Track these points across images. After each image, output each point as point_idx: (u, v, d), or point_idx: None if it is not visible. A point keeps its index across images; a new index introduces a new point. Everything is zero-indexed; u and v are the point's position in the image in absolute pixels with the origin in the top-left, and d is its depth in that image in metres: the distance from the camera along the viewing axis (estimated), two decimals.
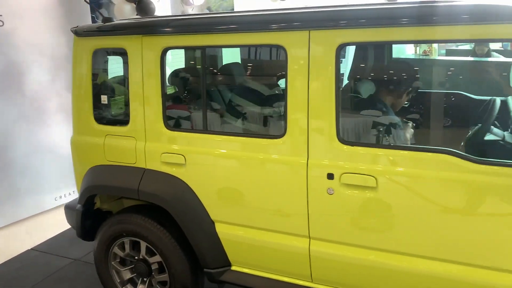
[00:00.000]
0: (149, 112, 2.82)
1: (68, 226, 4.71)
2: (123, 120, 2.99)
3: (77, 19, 5.12)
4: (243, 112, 2.96)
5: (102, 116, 3.09)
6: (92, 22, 5.36)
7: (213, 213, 2.74)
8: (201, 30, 2.58)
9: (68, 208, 3.36)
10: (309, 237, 2.49)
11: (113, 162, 3.00)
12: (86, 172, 3.13)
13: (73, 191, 5.38)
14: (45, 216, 5.03)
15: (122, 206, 3.36)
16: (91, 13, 5.31)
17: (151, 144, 2.85)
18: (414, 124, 2.89)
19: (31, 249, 4.38)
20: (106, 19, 2.98)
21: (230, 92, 3.03)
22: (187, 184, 2.76)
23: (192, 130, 2.83)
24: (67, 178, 5.28)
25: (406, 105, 2.94)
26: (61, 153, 5.18)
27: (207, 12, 6.66)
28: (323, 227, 2.45)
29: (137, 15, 5.01)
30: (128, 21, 2.95)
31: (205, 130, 2.75)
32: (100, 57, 3.02)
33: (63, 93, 5.16)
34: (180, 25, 2.67)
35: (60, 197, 5.28)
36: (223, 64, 3.42)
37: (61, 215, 5.07)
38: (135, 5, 4.99)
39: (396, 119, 2.59)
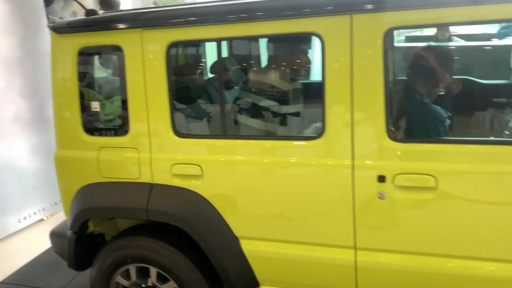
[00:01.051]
0: (154, 118, 2.42)
1: (40, 251, 4.21)
2: (120, 129, 2.57)
3: (30, 15, 4.54)
4: (269, 111, 2.61)
5: (94, 126, 2.65)
6: (47, 18, 4.79)
7: (237, 228, 2.40)
8: (218, 20, 2.21)
9: (55, 235, 2.89)
10: (355, 248, 2.23)
11: (111, 178, 2.58)
12: (76, 192, 2.68)
13: (38, 210, 4.81)
14: (10, 241, 4.45)
15: (116, 227, 2.93)
16: (46, 7, 4.74)
17: (158, 155, 2.46)
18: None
19: (0, 282, 3.81)
20: (90, 12, 2.54)
21: (251, 90, 2.67)
22: (205, 198, 2.40)
23: (209, 135, 2.46)
24: (30, 195, 4.72)
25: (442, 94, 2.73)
26: (21, 167, 4.60)
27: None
28: (373, 236, 2.19)
29: (100, 9, 4.50)
30: (121, 13, 2.52)
31: (225, 134, 2.40)
32: (87, 56, 2.58)
33: (19, 102, 4.57)
34: (193, 15, 2.28)
35: (25, 218, 4.71)
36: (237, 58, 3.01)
37: (28, 238, 4.52)
38: None
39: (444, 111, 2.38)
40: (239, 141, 2.35)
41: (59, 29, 2.51)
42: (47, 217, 4.92)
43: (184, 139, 2.41)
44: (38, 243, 4.27)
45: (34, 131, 4.71)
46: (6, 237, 4.44)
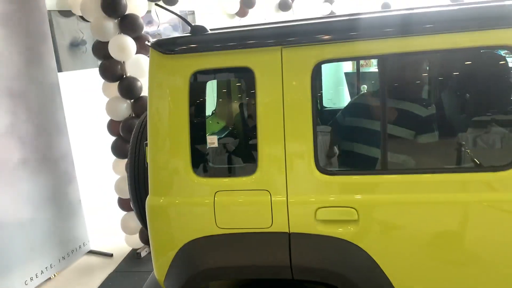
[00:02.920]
0: (293, 151, 2.00)
1: None
2: (244, 167, 2.11)
3: (32, 38, 3.93)
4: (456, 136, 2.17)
5: (207, 165, 2.17)
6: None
7: (401, 284, 2.01)
8: (387, 33, 1.87)
9: None
10: None
11: (230, 229, 2.10)
12: (180, 249, 2.15)
13: (46, 268, 4.07)
14: None
15: None
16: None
17: (297, 197, 2.03)
18: None
19: None
20: (197, 29, 2.10)
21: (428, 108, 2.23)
22: (362, 249, 1.99)
23: (367, 171, 2.06)
24: (36, 250, 3.99)
25: None
26: (26, 218, 3.88)
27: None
28: None
29: (119, 33, 3.98)
30: (249, 29, 2.10)
31: (390, 169, 2.00)
32: (200, 81, 2.11)
33: (25, 141, 3.88)
34: (351, 29, 1.90)
35: (31, 279, 3.96)
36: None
37: None
38: (117, 21, 3.96)
39: None
40: (413, 177, 1.96)
41: (167, 49, 2.04)
42: (54, 275, 4.17)
43: (331, 177, 2.00)
44: None
45: (41, 174, 4.01)
46: None
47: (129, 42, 3.92)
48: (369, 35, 1.88)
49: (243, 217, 2.09)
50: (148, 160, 2.18)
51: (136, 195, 2.58)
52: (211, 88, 2.14)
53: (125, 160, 4.22)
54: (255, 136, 2.04)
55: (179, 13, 2.27)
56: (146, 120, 2.66)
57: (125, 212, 4.44)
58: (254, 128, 2.03)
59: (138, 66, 4.07)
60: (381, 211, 1.97)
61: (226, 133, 2.18)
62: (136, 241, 4.44)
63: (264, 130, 2.02)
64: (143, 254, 4.36)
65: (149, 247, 4.42)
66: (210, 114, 2.22)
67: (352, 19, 2.00)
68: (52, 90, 4.13)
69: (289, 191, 2.04)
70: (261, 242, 2.07)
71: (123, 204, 4.41)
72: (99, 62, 4.12)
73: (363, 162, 2.12)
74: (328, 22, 2.02)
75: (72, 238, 4.40)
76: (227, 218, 2.10)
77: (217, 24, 6.41)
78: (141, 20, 4.05)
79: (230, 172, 2.13)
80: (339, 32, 1.92)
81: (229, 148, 2.12)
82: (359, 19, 1.94)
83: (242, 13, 6.49)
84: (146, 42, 2.10)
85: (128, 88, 4.03)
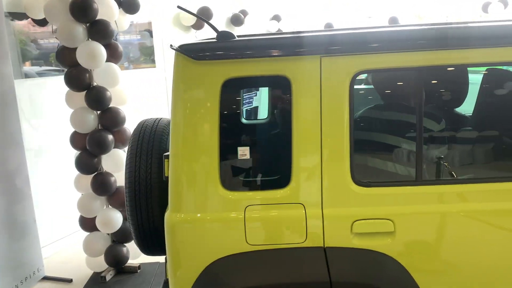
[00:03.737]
0: (329, 163, 1.95)
1: None
2: (277, 180, 2.02)
3: None
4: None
5: (237, 178, 2.04)
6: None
7: None
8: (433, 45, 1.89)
9: None
10: None
11: (261, 246, 1.98)
12: (206, 269, 2.00)
13: None
14: None
15: None
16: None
17: (332, 209, 1.98)
18: None
19: None
20: (223, 35, 2.00)
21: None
22: (394, 260, 1.98)
23: (405, 181, 2.05)
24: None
25: None
26: None
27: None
28: None
29: (88, 39, 3.71)
30: (284, 36, 2.03)
31: (428, 180, 2.01)
32: (234, 89, 2.00)
33: None
34: (395, 40, 1.90)
35: None
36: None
37: None
38: (86, 26, 3.70)
39: None
40: (453, 187, 1.98)
41: (197, 54, 1.91)
42: None
43: (368, 189, 1.97)
44: None
45: None
46: None
47: (100, 49, 3.66)
48: (410, 47, 1.90)
49: (275, 233, 1.99)
50: (169, 173, 2.01)
51: (137, 215, 2.38)
52: (243, 97, 2.03)
53: (90, 177, 3.91)
54: (289, 147, 1.96)
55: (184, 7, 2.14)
56: (145, 131, 2.48)
57: (87, 233, 4.09)
58: (288, 138, 1.96)
59: (108, 74, 3.81)
60: (418, 222, 1.97)
61: (257, 144, 2.07)
62: (99, 263, 4.10)
63: (299, 140, 1.94)
64: (108, 277, 4.03)
65: (115, 269, 4.11)
66: (242, 124, 2.10)
67: (393, 31, 2.01)
68: (5, 98, 3.74)
69: (325, 204, 1.98)
70: (296, 259, 1.98)
71: (85, 224, 4.07)
72: (61, 69, 3.80)
73: (399, 173, 2.11)
74: (369, 33, 2.01)
75: (26, 263, 3.96)
76: (258, 234, 1.99)
77: (175, 36, 6.32)
78: (112, 26, 3.81)
79: (262, 185, 2.03)
80: (380, 42, 1.92)
81: (261, 159, 2.02)
82: (400, 31, 1.95)
83: (198, 25, 6.38)
84: (171, 46, 1.94)
85: (96, 98, 3.75)
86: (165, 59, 6.07)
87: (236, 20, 7.28)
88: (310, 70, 1.91)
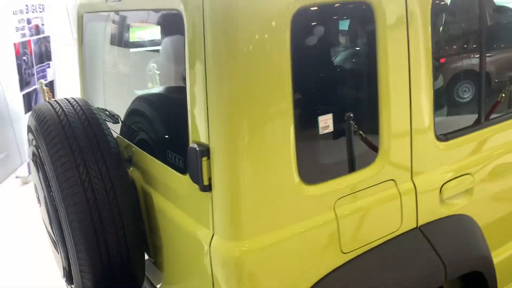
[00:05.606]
0: (416, 118, 1.47)
1: None
2: (362, 155, 1.41)
3: None
4: None
5: (317, 163, 1.33)
6: None
7: None
8: None
9: None
10: None
11: (357, 250, 1.39)
12: None
13: None
14: None
15: None
16: None
17: (421, 177, 1.52)
18: None
19: None
20: None
21: None
22: (476, 222, 1.68)
23: (476, 127, 1.68)
24: None
25: None
26: None
27: None
28: None
29: None
30: None
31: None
32: (304, 25, 1.24)
33: None
34: None
35: None
36: None
37: None
38: None
39: None
40: None
41: None
42: None
43: (448, 143, 1.58)
44: None
45: None
46: None
47: None
48: None
49: (369, 227, 1.42)
50: (217, 180, 1.19)
51: (99, 255, 1.46)
52: (320, 35, 1.28)
53: None
54: (374, 103, 1.38)
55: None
56: (69, 125, 1.52)
57: None
58: (373, 91, 1.38)
59: None
60: (493, 173, 1.71)
61: (339, 106, 1.37)
62: None
63: (387, 92, 1.38)
64: None
65: None
66: (322, 79, 1.34)
67: None
68: None
69: (414, 173, 1.50)
70: (401, 252, 1.47)
71: None
72: None
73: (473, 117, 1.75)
74: None
75: None
76: (353, 235, 1.38)
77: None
78: None
79: (349, 166, 1.38)
80: None
81: (343, 128, 1.35)
82: None
83: None
84: None
85: None
86: None
87: None
88: None
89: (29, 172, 5.31)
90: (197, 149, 1.20)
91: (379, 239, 1.44)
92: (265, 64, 1.16)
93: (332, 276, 1.34)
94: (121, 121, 1.89)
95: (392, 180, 1.45)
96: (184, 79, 1.28)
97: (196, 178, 1.23)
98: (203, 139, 1.22)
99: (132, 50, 1.96)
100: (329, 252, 1.34)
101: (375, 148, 1.41)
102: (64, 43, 6.33)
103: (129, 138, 1.82)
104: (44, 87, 4.97)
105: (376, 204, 1.42)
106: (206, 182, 1.21)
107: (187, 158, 1.26)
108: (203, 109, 1.19)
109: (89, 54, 2.22)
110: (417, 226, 1.52)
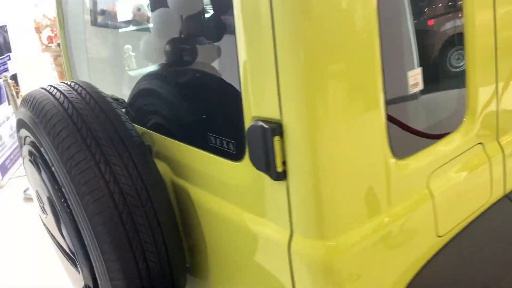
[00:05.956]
0: (504, 69, 1.23)
1: None
2: (444, 117, 1.17)
3: None
4: None
5: (407, 128, 1.08)
6: None
7: None
8: None
9: None
10: None
11: (452, 231, 1.16)
12: None
13: None
14: None
15: None
16: None
17: (506, 137, 1.30)
18: None
19: None
20: None
21: None
22: None
23: None
24: None
25: None
26: None
27: None
28: None
29: None
30: None
31: None
32: None
33: None
34: None
35: None
36: None
37: None
38: None
39: None
40: None
41: None
42: None
43: None
44: None
45: None
46: None
47: None
48: None
49: (461, 202, 1.19)
50: (296, 166, 0.92)
51: (136, 263, 1.20)
52: None
53: None
54: (460, 55, 1.14)
55: None
56: (78, 113, 1.22)
57: None
58: (458, 42, 1.13)
59: None
60: None
61: (426, 62, 1.11)
62: None
63: (474, 44, 1.13)
64: None
65: None
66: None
67: None
68: None
69: (500, 132, 1.27)
70: (497, 227, 1.25)
71: None
72: None
73: None
74: None
75: None
76: (448, 213, 1.15)
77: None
78: None
79: (437, 132, 1.13)
80: None
81: (428, 86, 1.10)
82: None
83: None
84: None
85: None
86: None
87: None
88: None
89: (2, 176, 4.88)
90: (266, 126, 0.92)
91: (471, 214, 1.21)
92: (352, 16, 0.89)
93: (432, 265, 1.10)
94: (129, 105, 1.58)
95: (480, 143, 1.22)
96: (231, 40, 0.99)
97: (264, 164, 0.95)
98: (271, 114, 0.94)
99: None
100: (425, 239, 1.11)
101: (463, 106, 1.17)
102: (24, 32, 5.82)
103: (144, 124, 1.52)
104: (10, 81, 4.56)
105: (468, 173, 1.19)
106: (280, 169, 0.94)
107: (248, 140, 0.98)
108: (270, 76, 0.91)
109: (74, 36, 1.90)
110: (504, 194, 1.30)
